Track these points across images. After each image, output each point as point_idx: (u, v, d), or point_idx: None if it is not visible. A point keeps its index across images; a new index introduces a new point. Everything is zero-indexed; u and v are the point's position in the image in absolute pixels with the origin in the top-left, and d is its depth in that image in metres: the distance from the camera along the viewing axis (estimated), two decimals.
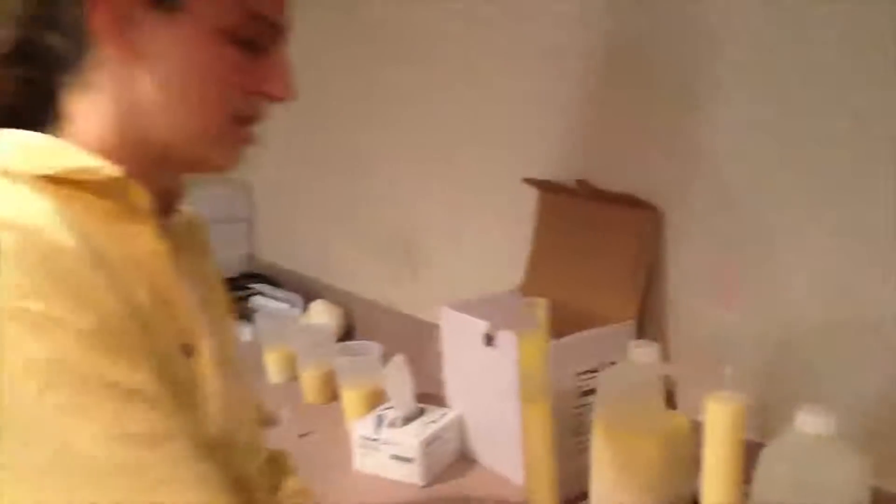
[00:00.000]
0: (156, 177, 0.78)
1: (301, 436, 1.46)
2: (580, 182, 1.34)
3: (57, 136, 0.75)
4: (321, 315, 1.92)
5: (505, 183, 1.49)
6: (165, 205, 0.83)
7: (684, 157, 1.21)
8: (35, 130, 0.74)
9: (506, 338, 1.23)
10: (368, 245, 1.92)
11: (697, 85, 1.17)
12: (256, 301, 2.08)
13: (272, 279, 2.20)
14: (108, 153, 0.74)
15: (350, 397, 1.50)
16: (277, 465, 1.05)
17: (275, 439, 1.43)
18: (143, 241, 0.75)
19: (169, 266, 0.77)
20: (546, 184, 1.40)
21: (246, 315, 1.96)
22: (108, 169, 0.72)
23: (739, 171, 1.14)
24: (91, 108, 0.75)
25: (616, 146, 1.32)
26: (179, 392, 0.72)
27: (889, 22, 0.94)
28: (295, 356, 1.69)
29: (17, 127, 0.74)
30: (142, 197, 0.75)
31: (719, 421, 0.82)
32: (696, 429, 1.10)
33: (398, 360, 1.37)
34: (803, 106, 1.06)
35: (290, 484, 1.06)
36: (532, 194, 1.44)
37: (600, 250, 1.32)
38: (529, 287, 1.42)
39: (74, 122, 0.76)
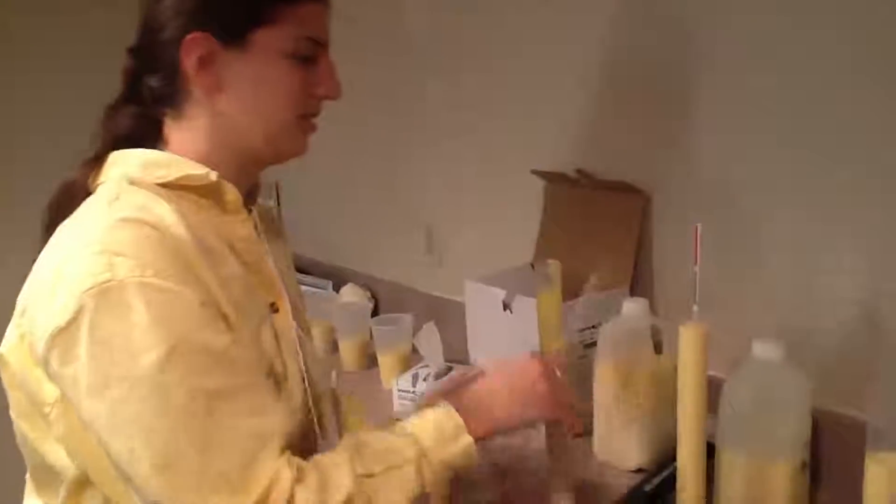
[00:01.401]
0: (244, 178, 1.01)
1: (344, 394, 1.68)
2: (580, 171, 1.58)
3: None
4: (350, 297, 2.13)
5: (516, 172, 1.69)
6: (251, 199, 1.06)
7: (666, 150, 1.44)
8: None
9: (521, 303, 1.46)
10: (391, 232, 2.12)
11: (680, 88, 1.41)
12: None
13: (300, 268, 2.38)
14: (202, 164, 0.96)
15: (385, 361, 1.73)
16: (339, 402, 1.29)
17: None
18: (236, 228, 0.98)
19: (257, 245, 1.01)
20: (550, 174, 1.63)
21: None
22: (209, 174, 0.95)
23: (707, 164, 1.38)
24: (187, 130, 0.98)
25: (610, 141, 1.54)
26: (270, 338, 0.97)
27: (889, 12, 1.12)
28: (333, 330, 1.91)
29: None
30: (233, 195, 0.98)
31: (690, 341, 1.06)
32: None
33: (429, 325, 1.60)
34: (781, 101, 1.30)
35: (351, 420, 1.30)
36: (539, 182, 1.67)
37: (598, 229, 1.55)
38: (539, 262, 1.64)
39: (173, 142, 0.98)
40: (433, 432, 0.94)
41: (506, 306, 1.50)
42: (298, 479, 0.84)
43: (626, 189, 1.49)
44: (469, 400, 1.00)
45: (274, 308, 1.01)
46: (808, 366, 1.13)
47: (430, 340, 1.59)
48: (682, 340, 1.07)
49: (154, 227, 0.86)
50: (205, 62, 0.93)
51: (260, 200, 1.12)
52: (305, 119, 1.00)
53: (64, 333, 0.82)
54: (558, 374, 1.07)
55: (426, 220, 2.00)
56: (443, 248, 1.98)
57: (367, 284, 2.18)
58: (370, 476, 0.87)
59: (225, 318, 0.88)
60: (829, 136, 1.22)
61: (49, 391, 0.88)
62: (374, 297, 2.17)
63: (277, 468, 0.83)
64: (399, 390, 1.56)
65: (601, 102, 1.55)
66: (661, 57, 1.43)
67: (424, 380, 1.56)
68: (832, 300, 1.24)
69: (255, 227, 1.02)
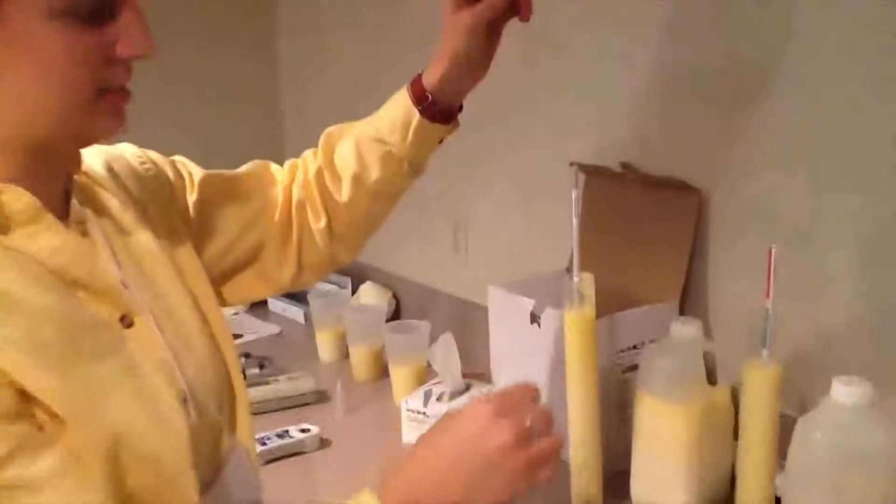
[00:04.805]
0: (44, 173, 0.78)
1: (349, 411, 1.51)
2: (625, 165, 1.38)
3: None
4: (370, 296, 1.97)
5: (550, 166, 1.52)
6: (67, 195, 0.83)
7: (733, 142, 1.24)
8: None
9: (551, 316, 1.27)
10: (416, 228, 1.96)
11: (754, 77, 1.20)
12: None
13: None
14: None
15: (398, 374, 1.55)
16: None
17: (325, 414, 1.51)
18: (40, 241, 0.76)
19: (81, 251, 0.79)
20: (591, 168, 1.44)
21: (297, 296, 2.02)
22: None
23: (787, 161, 1.17)
24: None
25: (661, 130, 1.35)
26: (116, 358, 0.76)
27: None
28: (345, 336, 1.74)
29: None
30: (22, 201, 0.75)
31: (756, 386, 0.86)
32: (736, 404, 1.15)
33: (446, 337, 1.42)
34: (856, 102, 1.09)
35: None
36: (579, 177, 1.47)
37: (645, 232, 1.36)
38: (572, 272, 1.45)
39: None
40: None
41: (534, 318, 1.31)
42: None
43: (678, 187, 1.30)
44: (398, 483, 0.79)
45: (126, 323, 0.81)
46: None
47: (446, 355, 1.40)
48: (746, 381, 0.86)
49: None
50: None
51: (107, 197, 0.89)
52: (110, 92, 0.77)
53: None
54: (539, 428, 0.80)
55: (454, 216, 1.84)
56: (471, 246, 1.81)
57: (389, 283, 2.02)
58: None
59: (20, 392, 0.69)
60: None
61: None
62: (396, 297, 2.01)
63: None
64: (408, 410, 1.38)
65: (651, 87, 1.36)
66: (730, 41, 1.22)
67: (438, 399, 1.38)
68: None
69: (82, 224, 0.82)
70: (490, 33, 1.00)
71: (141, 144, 1.00)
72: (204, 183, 1.04)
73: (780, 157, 1.18)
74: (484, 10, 0.97)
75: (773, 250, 0.84)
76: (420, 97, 1.02)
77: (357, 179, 1.06)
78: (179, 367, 0.83)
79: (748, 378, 0.87)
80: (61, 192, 0.81)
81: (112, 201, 0.89)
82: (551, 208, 1.56)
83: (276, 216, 1.08)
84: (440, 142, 1.07)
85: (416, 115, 1.02)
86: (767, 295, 0.85)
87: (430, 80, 1.02)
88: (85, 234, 0.82)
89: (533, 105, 1.58)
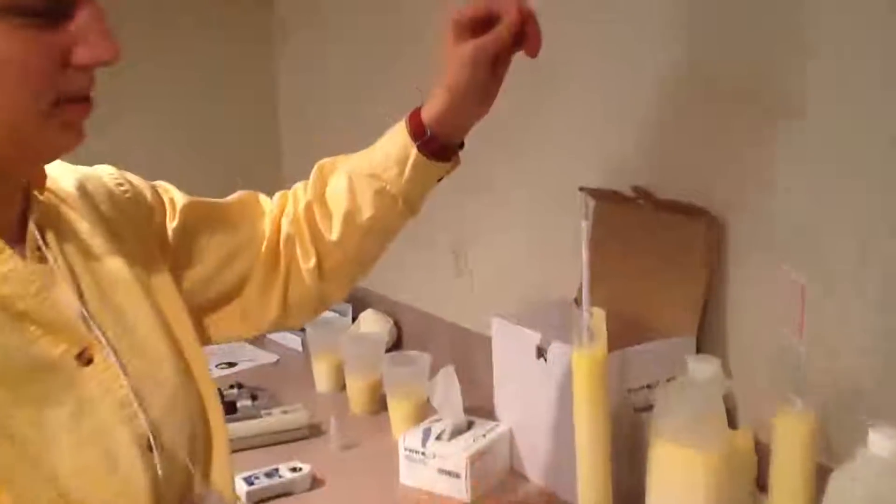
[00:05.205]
0: None
1: (345, 448, 1.43)
2: (637, 189, 1.30)
3: None
4: (371, 324, 1.89)
5: (557, 188, 1.46)
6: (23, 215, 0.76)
7: (752, 163, 1.17)
8: None
9: (558, 350, 1.20)
10: (418, 253, 1.90)
11: (776, 97, 1.13)
12: None
13: None
14: None
15: (397, 408, 1.47)
16: None
17: (319, 450, 1.44)
18: None
19: (30, 280, 0.71)
20: (601, 192, 1.36)
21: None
22: None
23: (813, 183, 1.09)
24: None
25: (675, 152, 1.28)
26: (66, 402, 0.69)
27: None
28: (343, 365, 1.66)
29: None
30: None
31: (788, 440, 0.78)
32: (759, 449, 1.07)
33: (447, 370, 1.34)
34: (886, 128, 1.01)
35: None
36: (588, 202, 1.40)
37: (658, 260, 1.28)
38: (580, 304, 1.39)
39: None
40: None
41: (540, 353, 1.23)
42: None
43: (694, 212, 1.22)
44: None
45: (84, 359, 0.73)
46: None
47: (446, 390, 1.32)
48: (778, 431, 0.77)
49: None
50: None
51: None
52: (70, 102, 0.69)
53: None
54: None
55: (457, 241, 1.77)
56: (475, 272, 1.74)
57: (391, 311, 1.95)
58: None
59: None
60: None
61: None
62: (398, 325, 1.93)
63: None
64: (406, 449, 1.29)
65: (663, 106, 1.29)
66: (752, 59, 1.14)
67: (438, 438, 1.29)
68: None
69: (40, 249, 0.74)
70: (495, 67, 0.93)
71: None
72: (187, 209, 0.97)
73: (806, 178, 1.10)
74: (489, 42, 0.90)
75: (804, 285, 0.75)
76: (418, 132, 0.95)
77: (349, 217, 0.99)
78: (145, 408, 0.75)
79: (780, 428, 0.79)
80: (17, 214, 0.74)
81: (81, 223, 0.81)
82: (558, 233, 1.49)
83: (263, 249, 1.01)
84: (439, 180, 1.00)
85: (414, 151, 0.95)
86: (800, 335, 0.76)
87: (429, 114, 0.95)
88: (42, 259, 0.74)
89: (540, 125, 1.52)
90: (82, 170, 0.88)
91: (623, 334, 1.16)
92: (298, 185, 1.04)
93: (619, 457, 1.14)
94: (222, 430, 0.87)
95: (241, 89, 2.19)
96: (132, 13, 1.71)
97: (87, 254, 0.80)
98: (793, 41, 1.10)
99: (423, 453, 1.27)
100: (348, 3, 1.97)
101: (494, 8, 0.90)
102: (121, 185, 0.91)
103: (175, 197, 0.97)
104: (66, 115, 0.69)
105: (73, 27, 0.67)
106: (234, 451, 1.20)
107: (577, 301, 1.39)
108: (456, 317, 1.78)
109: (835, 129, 1.06)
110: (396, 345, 1.89)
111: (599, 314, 0.93)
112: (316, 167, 1.03)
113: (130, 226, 0.88)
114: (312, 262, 1.00)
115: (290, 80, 2.24)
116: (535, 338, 1.24)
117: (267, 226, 1.02)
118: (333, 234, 1.00)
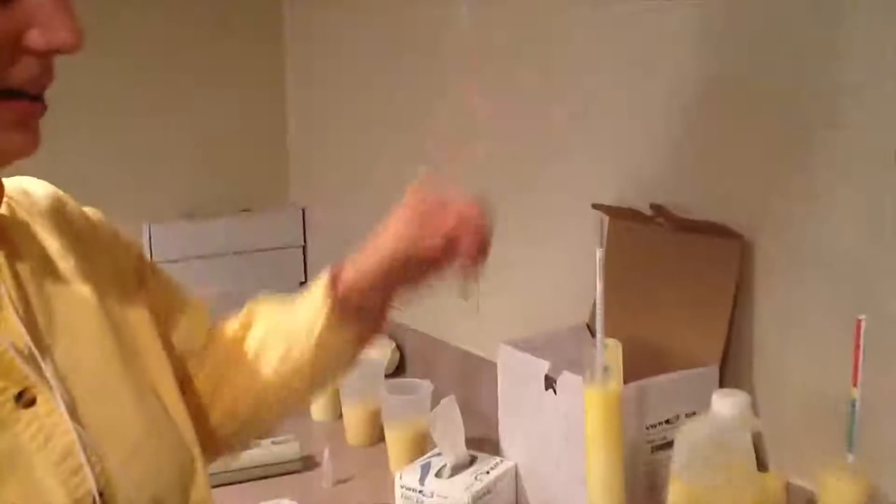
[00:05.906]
0: None
1: (339, 482, 1.34)
2: (656, 207, 1.22)
3: None
4: (372, 348, 1.81)
5: (569, 206, 1.40)
6: None
7: (781, 179, 1.10)
8: None
9: (569, 381, 1.12)
10: None
11: (807, 113, 1.06)
12: None
13: None
14: None
15: (395, 440, 1.39)
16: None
17: (311, 485, 1.35)
18: None
19: None
20: (617, 209, 1.28)
21: None
22: None
23: (849, 201, 1.02)
24: None
25: (697, 168, 1.23)
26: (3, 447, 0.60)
27: None
28: (339, 392, 1.57)
29: None
30: None
31: (837, 500, 0.68)
32: (790, 494, 0.98)
33: (448, 401, 1.26)
34: None
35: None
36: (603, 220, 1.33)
37: (678, 284, 1.22)
38: (594, 338, 1.31)
39: None
40: None
41: (549, 384, 1.15)
42: None
43: (718, 232, 1.16)
44: None
45: (25, 400, 0.63)
46: None
47: (447, 424, 1.23)
48: (825, 491, 0.69)
49: None
50: None
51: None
52: (17, 98, 0.60)
53: None
54: None
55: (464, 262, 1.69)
56: (482, 294, 1.65)
57: (393, 334, 1.87)
58: None
59: None
60: None
61: None
62: (400, 349, 1.86)
63: None
64: (402, 487, 1.20)
65: (685, 119, 1.23)
66: (781, 74, 1.07)
67: (438, 475, 1.21)
68: None
69: None
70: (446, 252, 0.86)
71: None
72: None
73: (840, 195, 1.03)
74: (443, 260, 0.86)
75: (863, 321, 0.65)
76: (332, 288, 0.84)
77: (253, 374, 0.88)
78: (99, 458, 0.65)
79: (827, 488, 0.69)
80: None
81: (51, 242, 0.72)
82: (570, 254, 1.43)
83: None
84: (354, 356, 0.89)
85: (324, 313, 0.84)
86: (854, 382, 0.66)
87: (348, 273, 0.85)
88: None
89: (551, 139, 1.46)
90: (61, 192, 0.79)
91: (640, 364, 1.09)
92: (231, 320, 0.94)
93: (635, 499, 1.08)
94: (202, 477, 0.76)
95: (250, 104, 2.18)
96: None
97: (51, 276, 0.71)
98: (826, 48, 1.03)
99: (420, 492, 1.19)
100: (359, 20, 1.93)
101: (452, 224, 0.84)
102: (101, 219, 0.83)
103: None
104: (12, 112, 0.60)
105: (28, 5, 0.57)
106: (218, 486, 1.11)
107: (590, 326, 1.30)
108: (461, 342, 1.71)
109: (875, 139, 0.99)
110: (399, 368, 1.82)
111: (615, 347, 0.84)
112: (247, 306, 0.93)
113: (107, 255, 0.79)
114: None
115: (300, 93, 2.21)
116: (543, 366, 1.16)
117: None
118: (238, 383, 0.89)
